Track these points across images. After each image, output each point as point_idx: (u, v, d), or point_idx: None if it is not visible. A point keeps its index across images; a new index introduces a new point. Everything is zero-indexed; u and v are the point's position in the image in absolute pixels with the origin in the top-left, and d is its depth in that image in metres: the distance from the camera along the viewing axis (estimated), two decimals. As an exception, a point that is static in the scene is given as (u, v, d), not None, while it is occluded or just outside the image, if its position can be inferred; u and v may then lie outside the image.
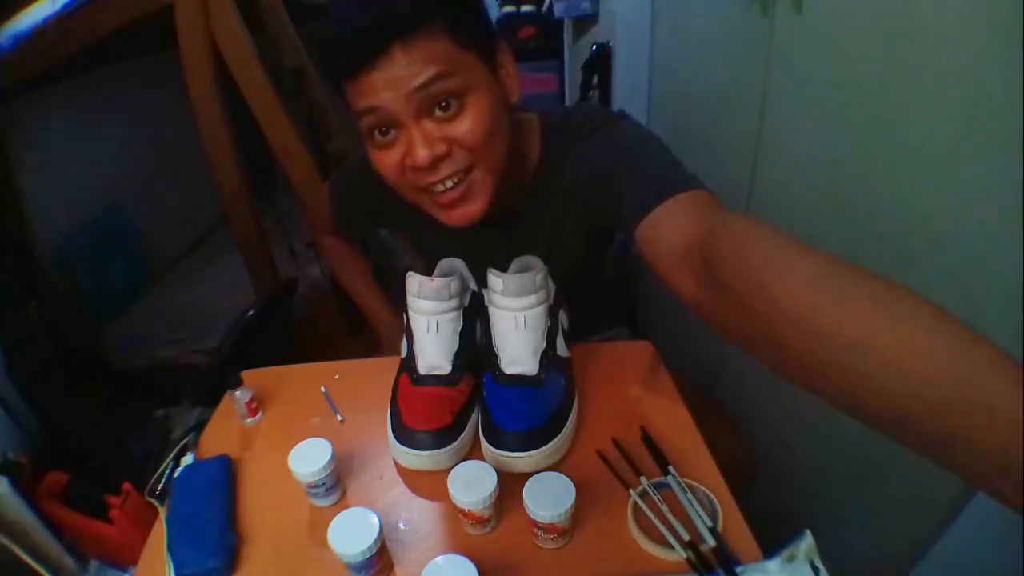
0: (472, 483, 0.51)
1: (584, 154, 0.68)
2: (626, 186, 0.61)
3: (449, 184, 0.60)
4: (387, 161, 0.61)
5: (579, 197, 0.70)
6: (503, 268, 0.66)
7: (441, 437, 0.59)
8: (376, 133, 0.59)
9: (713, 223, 0.47)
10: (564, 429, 0.60)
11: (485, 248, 0.74)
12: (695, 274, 0.47)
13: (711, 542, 0.50)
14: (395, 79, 0.54)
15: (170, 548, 0.53)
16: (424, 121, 0.57)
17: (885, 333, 0.31)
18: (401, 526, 0.56)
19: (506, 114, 0.62)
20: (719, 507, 0.53)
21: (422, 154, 0.57)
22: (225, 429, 0.71)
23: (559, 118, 0.72)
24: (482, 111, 0.58)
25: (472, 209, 0.63)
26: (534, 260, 0.69)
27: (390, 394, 0.66)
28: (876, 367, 0.31)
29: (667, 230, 0.53)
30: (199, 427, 0.72)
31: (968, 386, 0.28)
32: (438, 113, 0.57)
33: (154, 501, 0.61)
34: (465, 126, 0.58)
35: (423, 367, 0.63)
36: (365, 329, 1.00)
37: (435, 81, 0.55)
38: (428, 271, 0.74)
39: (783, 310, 0.35)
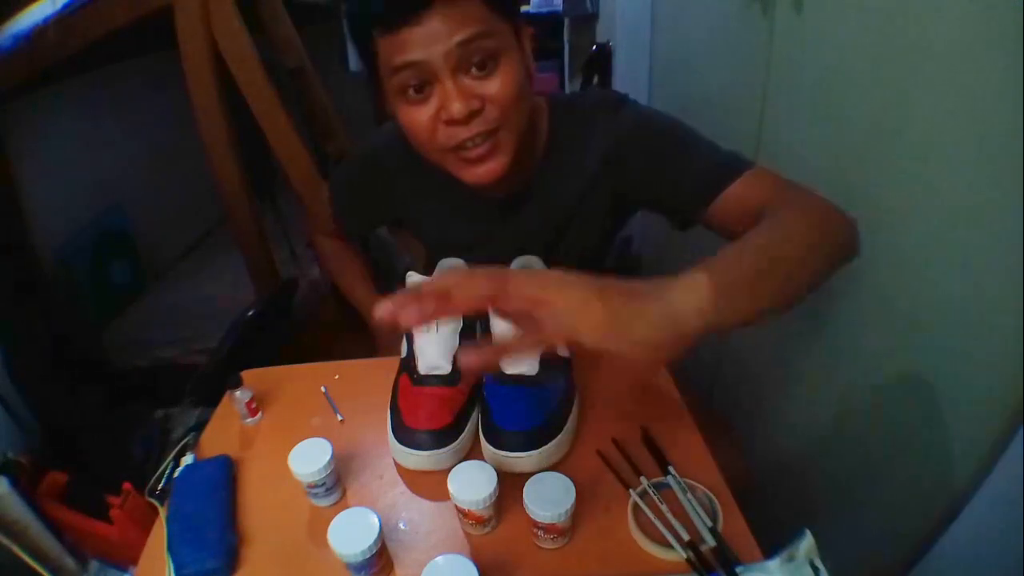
0: (472, 483, 0.51)
1: (618, 128, 0.69)
2: (689, 162, 0.66)
3: (478, 140, 0.62)
4: (419, 118, 0.61)
5: (613, 171, 0.71)
6: (510, 248, 0.66)
7: (441, 437, 0.59)
8: (410, 91, 0.60)
9: (780, 196, 0.58)
10: (564, 429, 0.60)
11: (492, 230, 0.74)
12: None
13: (711, 542, 0.50)
14: (436, 34, 0.56)
15: (170, 548, 0.53)
16: (460, 77, 0.59)
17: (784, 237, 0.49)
18: (401, 526, 0.56)
19: (527, 79, 0.64)
20: (719, 507, 0.53)
21: (457, 107, 0.58)
22: (225, 429, 0.71)
23: (569, 99, 0.74)
24: (513, 73, 0.60)
25: (496, 165, 0.64)
26: (534, 260, 0.69)
27: (390, 394, 0.66)
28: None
29: (748, 206, 0.60)
30: (199, 427, 0.72)
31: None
32: (474, 71, 0.59)
33: (154, 501, 0.61)
34: (498, 85, 0.60)
35: (423, 367, 0.63)
36: (365, 329, 1.00)
37: (476, 39, 0.57)
38: (430, 261, 0.74)
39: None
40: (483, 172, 0.64)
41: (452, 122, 0.60)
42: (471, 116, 0.59)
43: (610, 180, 0.72)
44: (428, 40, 0.56)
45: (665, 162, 0.67)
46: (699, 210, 0.65)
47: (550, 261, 0.69)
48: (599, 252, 0.83)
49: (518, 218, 0.75)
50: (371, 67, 0.62)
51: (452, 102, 0.58)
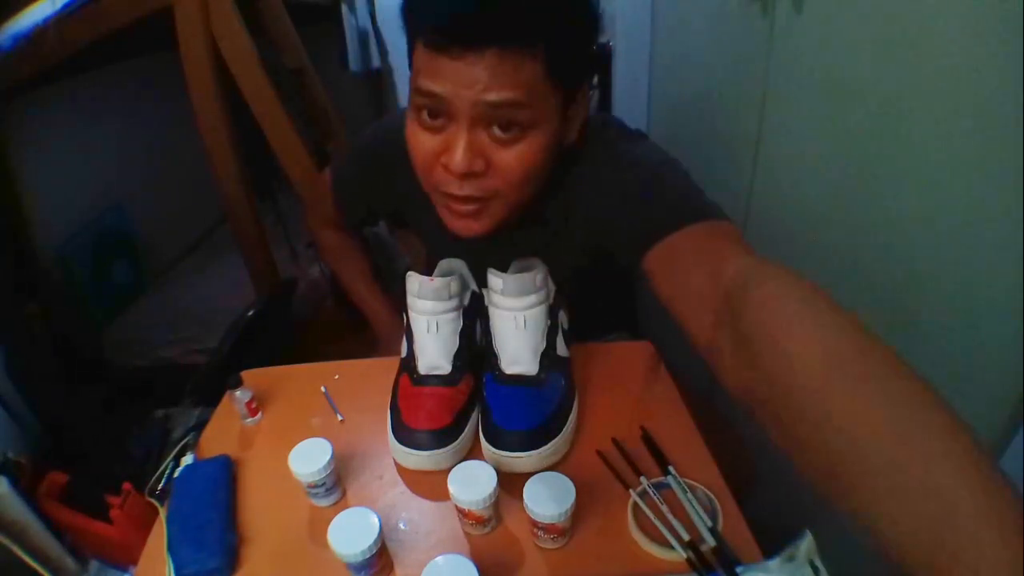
0: (472, 483, 0.51)
1: (592, 176, 0.64)
2: (637, 210, 0.57)
3: (468, 202, 0.58)
4: (423, 145, 0.57)
5: (587, 217, 0.66)
6: (503, 267, 0.66)
7: (441, 437, 0.59)
8: (424, 113, 0.56)
9: (745, 266, 0.43)
10: (564, 429, 0.60)
11: (485, 248, 0.74)
12: (715, 316, 0.43)
13: (711, 542, 0.50)
14: (472, 80, 0.50)
15: (170, 548, 0.53)
16: (478, 130, 0.54)
17: (891, 447, 0.29)
18: (401, 526, 0.56)
19: (553, 155, 0.59)
20: (719, 507, 0.53)
21: (459, 160, 0.54)
22: (225, 429, 0.71)
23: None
24: (535, 152, 0.55)
25: (477, 227, 0.61)
26: (534, 260, 0.69)
27: (390, 394, 0.66)
28: (879, 480, 0.29)
29: (687, 261, 0.50)
30: (199, 427, 0.72)
31: (958, 536, 0.25)
32: (496, 130, 0.54)
33: (154, 501, 0.61)
34: (512, 159, 0.55)
35: (423, 367, 0.63)
36: (365, 329, 1.00)
37: (509, 106, 0.52)
38: (429, 261, 0.73)
39: (797, 384, 0.33)
40: (463, 228, 0.61)
41: (448, 171, 0.56)
42: (469, 176, 0.55)
43: (587, 225, 0.67)
44: (462, 80, 0.50)
45: (622, 208, 0.60)
46: (636, 258, 0.56)
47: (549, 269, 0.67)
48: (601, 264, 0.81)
49: (514, 237, 0.73)
50: (409, 63, 0.58)
51: (456, 153, 0.53)
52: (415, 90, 0.55)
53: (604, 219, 0.63)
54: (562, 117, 0.57)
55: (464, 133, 0.53)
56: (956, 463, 0.27)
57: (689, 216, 0.53)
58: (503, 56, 0.49)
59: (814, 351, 0.34)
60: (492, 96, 0.51)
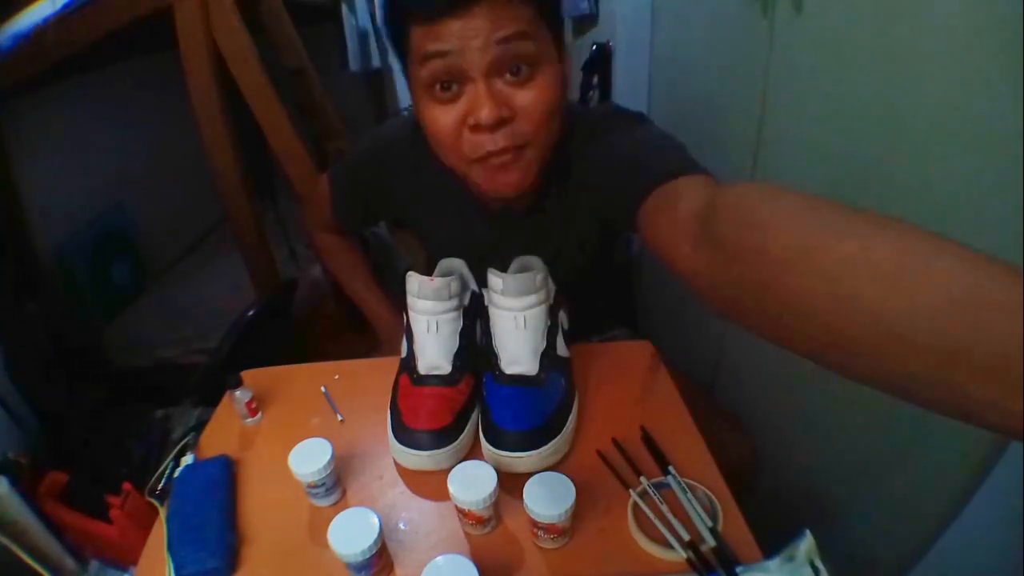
0: (472, 483, 0.51)
1: (598, 152, 0.67)
2: (632, 174, 0.59)
3: (504, 156, 0.60)
4: (444, 119, 0.59)
5: (588, 196, 0.69)
6: (504, 264, 0.66)
7: (441, 437, 0.59)
8: (437, 87, 0.57)
9: (713, 191, 0.44)
10: (564, 429, 0.60)
11: (491, 238, 0.74)
12: (692, 240, 0.42)
13: (711, 542, 0.50)
14: (476, 29, 0.53)
15: (170, 548, 0.53)
16: (494, 80, 0.56)
17: (882, 247, 0.28)
18: (401, 526, 0.56)
19: (562, 97, 0.61)
20: (719, 507, 0.53)
21: (486, 111, 0.55)
22: (225, 429, 0.71)
23: (575, 118, 0.71)
24: (550, 86, 0.58)
25: (517, 178, 0.62)
26: (534, 260, 0.69)
27: (390, 394, 0.66)
28: (871, 284, 0.27)
29: (668, 205, 0.50)
30: (199, 427, 0.72)
31: (980, 290, 0.24)
32: (508, 76, 0.56)
33: (154, 501, 0.61)
34: (533, 96, 0.57)
35: (423, 367, 0.64)
36: (365, 329, 1.00)
37: (517, 39, 0.54)
38: (429, 261, 0.73)
39: (775, 242, 0.32)
40: (503, 182, 0.62)
41: (478, 128, 0.57)
42: (499, 124, 0.57)
43: (588, 202, 0.70)
44: (467, 33, 0.53)
45: (621, 176, 0.60)
46: (633, 212, 0.55)
47: (550, 265, 0.68)
48: (600, 255, 0.82)
49: (518, 230, 0.75)
50: (403, 57, 0.60)
51: (481, 105, 0.55)
52: (423, 60, 0.56)
53: (604, 186, 0.64)
54: (561, 64, 0.60)
55: (483, 86, 0.56)
56: (961, 252, 0.26)
57: (673, 172, 0.53)
58: (497, 1, 0.53)
59: (783, 210, 0.33)
60: (500, 33, 0.54)
